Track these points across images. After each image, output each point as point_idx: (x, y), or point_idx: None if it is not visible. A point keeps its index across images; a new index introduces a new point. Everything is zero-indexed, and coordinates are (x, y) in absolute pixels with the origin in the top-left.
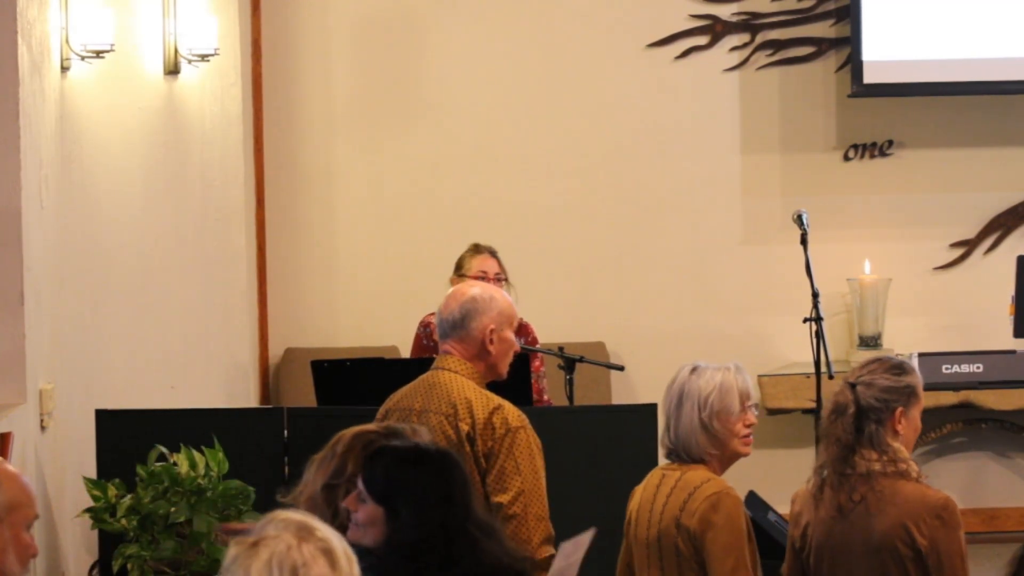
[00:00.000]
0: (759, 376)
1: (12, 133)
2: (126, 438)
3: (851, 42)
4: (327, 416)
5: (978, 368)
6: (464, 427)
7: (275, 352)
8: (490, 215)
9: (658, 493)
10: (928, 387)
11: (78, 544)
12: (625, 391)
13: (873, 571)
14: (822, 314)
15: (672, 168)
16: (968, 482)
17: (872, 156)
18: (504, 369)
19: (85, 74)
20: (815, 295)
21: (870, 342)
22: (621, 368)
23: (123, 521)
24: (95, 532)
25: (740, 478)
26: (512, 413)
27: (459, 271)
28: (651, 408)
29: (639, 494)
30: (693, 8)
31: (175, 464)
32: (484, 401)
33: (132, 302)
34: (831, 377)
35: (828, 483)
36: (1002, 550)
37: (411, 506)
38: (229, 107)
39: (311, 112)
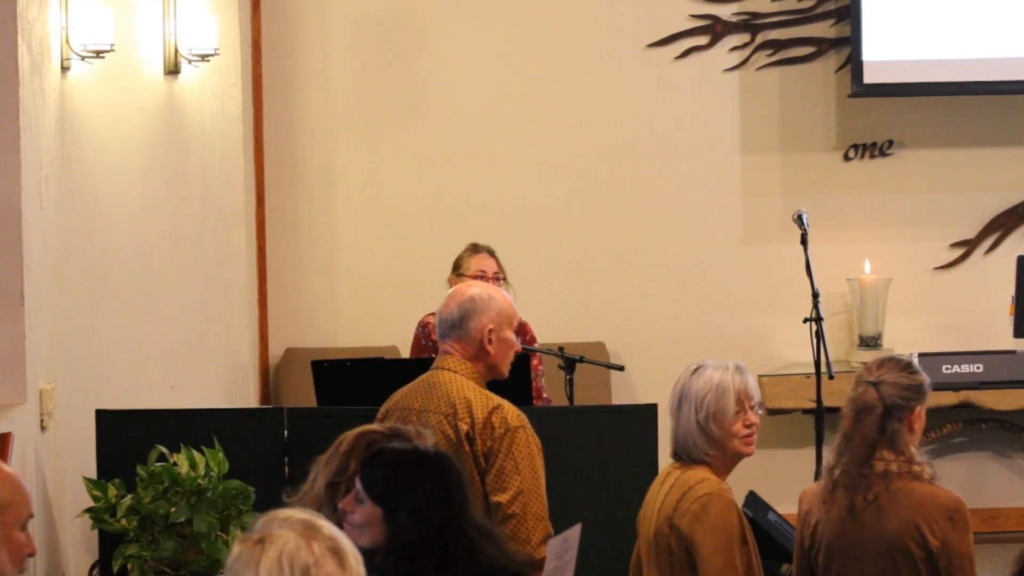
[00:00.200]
0: (759, 376)
1: (12, 133)
2: (126, 438)
3: (851, 42)
4: (327, 416)
5: (978, 368)
6: (463, 427)
7: (275, 352)
8: (490, 215)
9: (660, 491)
10: None
11: (78, 544)
12: (625, 391)
13: (884, 571)
14: (822, 314)
15: (672, 168)
16: (968, 482)
17: (872, 156)
18: (505, 369)
19: (85, 74)
20: (815, 295)
21: (870, 342)
22: (621, 368)
23: (123, 521)
24: (95, 532)
25: (740, 478)
26: (511, 413)
27: (457, 271)
28: (651, 408)
29: (649, 491)
30: (693, 8)
31: (175, 464)
32: (483, 401)
33: (132, 302)
34: (831, 377)
35: (842, 482)
36: (1002, 550)
37: (409, 506)
38: (229, 107)
39: (311, 112)
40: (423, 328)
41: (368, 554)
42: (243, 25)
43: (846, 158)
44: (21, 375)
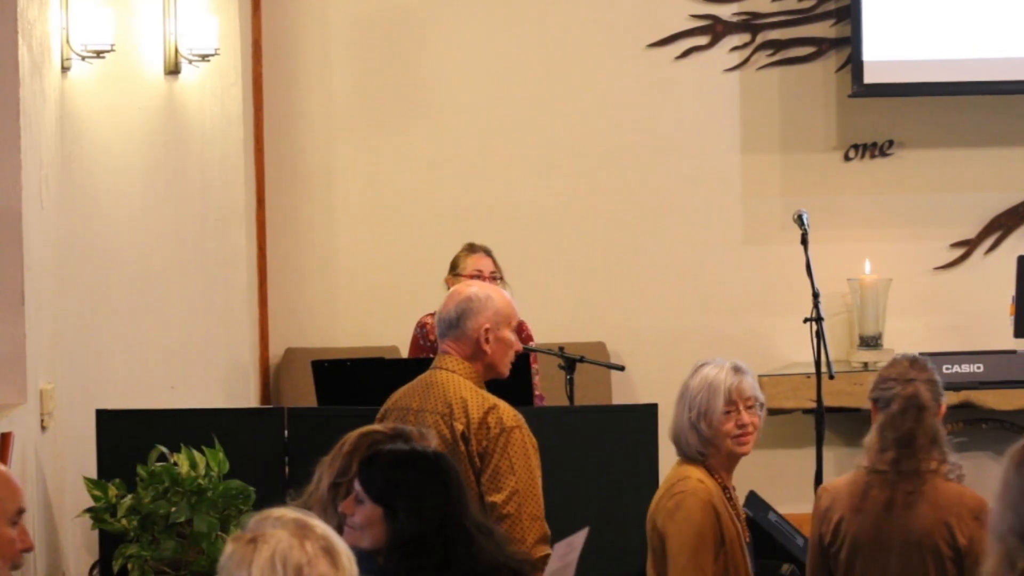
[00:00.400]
0: (759, 376)
1: (12, 133)
2: (126, 438)
3: (851, 42)
4: (327, 416)
5: (978, 368)
6: (459, 426)
7: (275, 352)
8: (490, 215)
9: (660, 488)
10: None
11: (78, 544)
12: (625, 391)
13: (910, 568)
14: (822, 314)
15: (672, 168)
16: (968, 482)
17: (872, 156)
18: (504, 368)
19: (85, 74)
20: (815, 295)
21: (870, 342)
22: (621, 368)
23: (123, 521)
24: (95, 532)
25: (740, 478)
26: (507, 413)
27: (454, 271)
28: (651, 408)
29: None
30: (693, 8)
31: (175, 464)
32: (479, 401)
33: (132, 302)
34: (831, 377)
35: (878, 479)
36: None
37: (409, 505)
38: (229, 107)
39: (311, 112)
40: (421, 328)
41: (369, 555)
42: (243, 25)
43: (846, 158)
44: (21, 375)
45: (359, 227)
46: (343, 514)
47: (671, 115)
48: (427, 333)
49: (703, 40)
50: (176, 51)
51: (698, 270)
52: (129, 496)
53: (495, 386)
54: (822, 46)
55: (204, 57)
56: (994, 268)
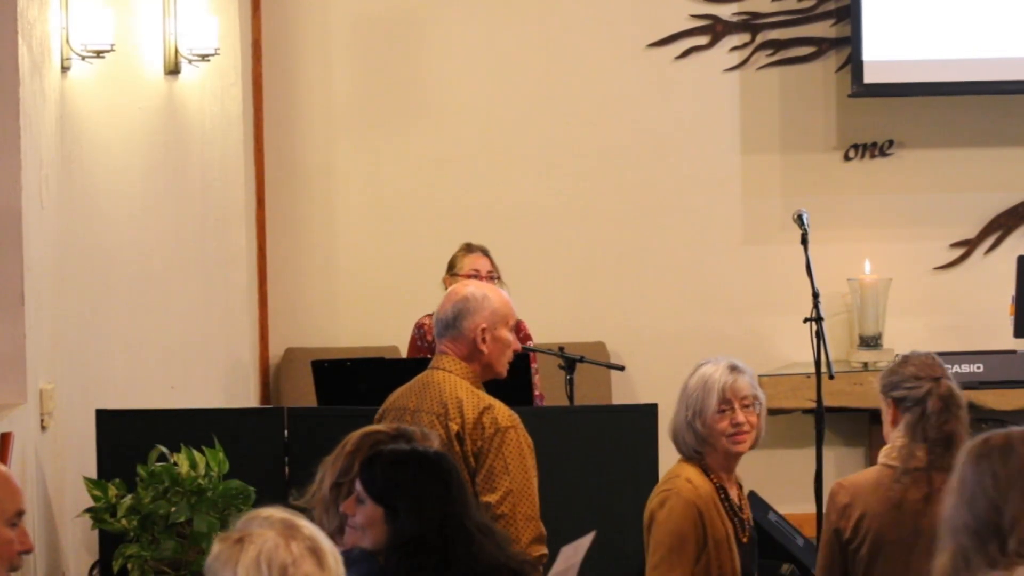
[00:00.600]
0: (759, 376)
1: (12, 133)
2: (126, 438)
3: (851, 42)
4: (327, 416)
5: (978, 368)
6: (454, 426)
7: (275, 352)
8: (490, 215)
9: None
10: None
11: (78, 544)
12: (625, 391)
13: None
14: (822, 314)
15: (672, 168)
16: None
17: (872, 156)
18: (502, 368)
19: (85, 74)
20: (815, 295)
21: (870, 342)
22: (621, 368)
23: (123, 521)
24: (95, 532)
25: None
26: (502, 413)
27: (451, 271)
28: (651, 408)
29: None
30: (693, 8)
31: (175, 464)
32: (475, 401)
33: (132, 302)
34: (831, 377)
35: (912, 478)
36: None
37: (410, 505)
38: (229, 107)
39: (311, 112)
40: (419, 329)
41: (369, 555)
42: (243, 25)
43: (846, 158)
44: (21, 375)
45: (359, 227)
46: (344, 514)
47: (671, 115)
48: (425, 334)
49: (703, 40)
50: (176, 51)
51: (698, 270)
52: (129, 496)
53: (494, 386)
54: (822, 46)
55: (204, 57)
56: (994, 268)
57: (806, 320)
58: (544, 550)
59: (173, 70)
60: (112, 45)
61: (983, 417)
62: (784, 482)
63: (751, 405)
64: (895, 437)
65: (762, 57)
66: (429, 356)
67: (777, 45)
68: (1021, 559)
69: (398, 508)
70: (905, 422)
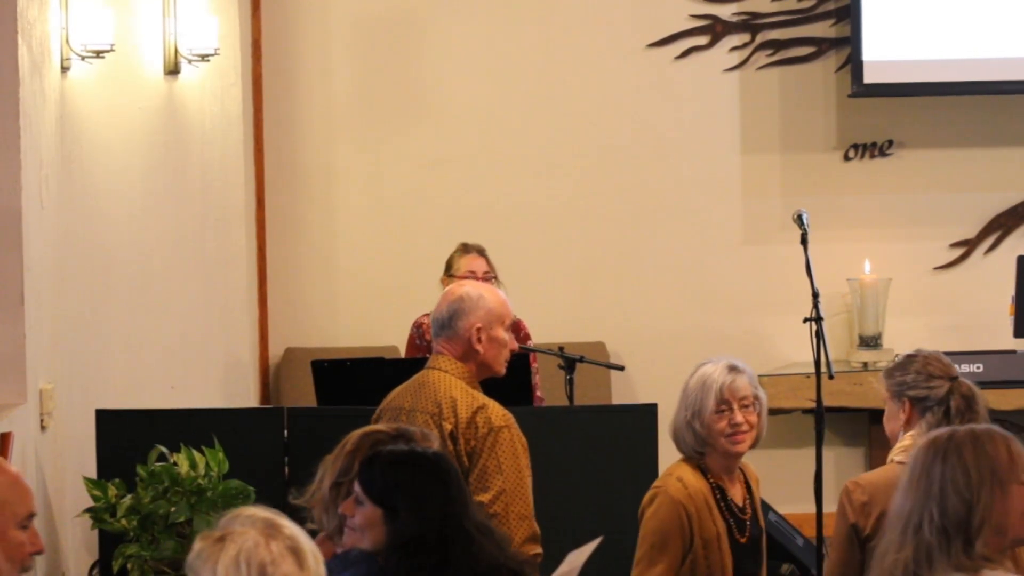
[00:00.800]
0: (759, 376)
1: (12, 133)
2: (126, 438)
3: (851, 42)
4: (327, 416)
5: (978, 368)
6: (447, 426)
7: (275, 352)
8: (490, 215)
9: None
10: None
11: (78, 544)
12: (625, 391)
13: None
14: (822, 314)
15: (672, 168)
16: None
17: (872, 156)
18: (499, 368)
19: (85, 74)
20: (815, 295)
21: (870, 342)
22: (621, 368)
23: (123, 521)
24: (95, 532)
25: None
26: (496, 412)
27: (448, 271)
28: (651, 408)
29: None
30: (693, 8)
31: (175, 464)
32: (469, 400)
33: (132, 302)
34: (831, 377)
35: None
36: None
37: (410, 505)
38: (229, 107)
39: (311, 112)
40: (417, 328)
41: (369, 556)
42: (243, 25)
43: (846, 158)
44: (21, 375)
45: (359, 227)
46: (342, 515)
47: (671, 115)
48: (423, 333)
49: (703, 40)
50: (176, 51)
51: (698, 270)
52: (129, 496)
53: (495, 386)
54: (822, 46)
55: (204, 57)
56: (994, 268)
57: (806, 320)
58: (538, 549)
59: (173, 70)
60: (112, 45)
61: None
62: (784, 482)
63: (750, 405)
64: (910, 436)
65: (762, 57)
66: (427, 356)
67: (777, 45)
68: (987, 561)
69: (397, 509)
70: (926, 421)
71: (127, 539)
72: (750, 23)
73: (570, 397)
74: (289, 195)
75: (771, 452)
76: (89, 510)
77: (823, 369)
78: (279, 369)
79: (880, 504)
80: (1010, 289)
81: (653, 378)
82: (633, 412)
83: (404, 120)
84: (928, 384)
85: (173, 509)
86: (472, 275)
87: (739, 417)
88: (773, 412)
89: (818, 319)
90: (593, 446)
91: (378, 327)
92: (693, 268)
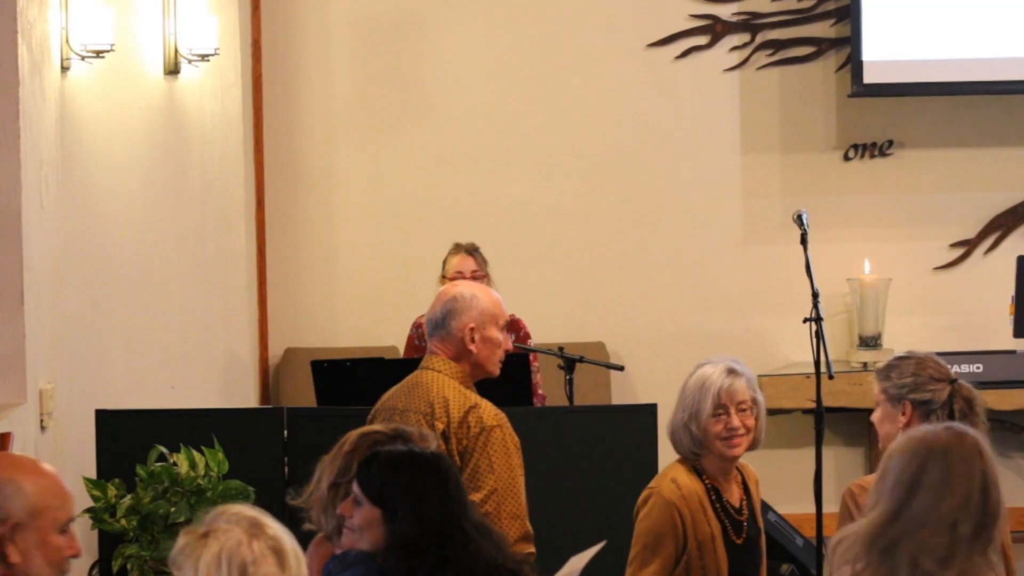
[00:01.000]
0: (759, 376)
1: (12, 133)
2: (126, 438)
3: (851, 42)
4: (327, 416)
5: (978, 368)
6: (440, 425)
7: (275, 352)
8: (490, 215)
9: None
10: None
11: None
12: (625, 391)
13: None
14: (822, 314)
15: (672, 168)
16: None
17: (872, 156)
18: (493, 367)
19: (85, 74)
20: (815, 295)
21: (870, 342)
22: (621, 368)
23: (123, 521)
24: (95, 532)
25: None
26: (488, 412)
27: (442, 272)
28: (651, 408)
29: None
30: (693, 8)
31: (175, 464)
32: (461, 400)
33: (132, 302)
34: (831, 377)
35: None
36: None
37: (408, 505)
38: (229, 107)
39: (311, 112)
40: (417, 329)
41: (368, 556)
42: (243, 25)
43: (846, 158)
44: (21, 375)
45: (359, 227)
46: (341, 516)
47: (671, 115)
48: (423, 333)
49: (703, 40)
50: (176, 51)
51: (698, 270)
52: (129, 496)
53: (495, 386)
54: (822, 46)
55: (204, 57)
56: (994, 268)
57: (806, 320)
58: (531, 548)
59: (173, 70)
60: (112, 45)
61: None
62: (784, 482)
63: (748, 409)
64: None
65: (762, 57)
66: None
67: (777, 45)
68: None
69: (396, 509)
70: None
71: (127, 539)
72: (750, 23)
73: (570, 397)
74: (289, 195)
75: (771, 452)
76: (89, 510)
77: (823, 369)
78: (279, 369)
79: None
80: (1010, 289)
81: (653, 378)
82: (633, 412)
83: (404, 120)
84: (931, 387)
85: (173, 509)
86: (460, 275)
87: (736, 421)
88: (773, 412)
89: (818, 319)
90: (593, 446)
91: (378, 327)
92: (693, 268)
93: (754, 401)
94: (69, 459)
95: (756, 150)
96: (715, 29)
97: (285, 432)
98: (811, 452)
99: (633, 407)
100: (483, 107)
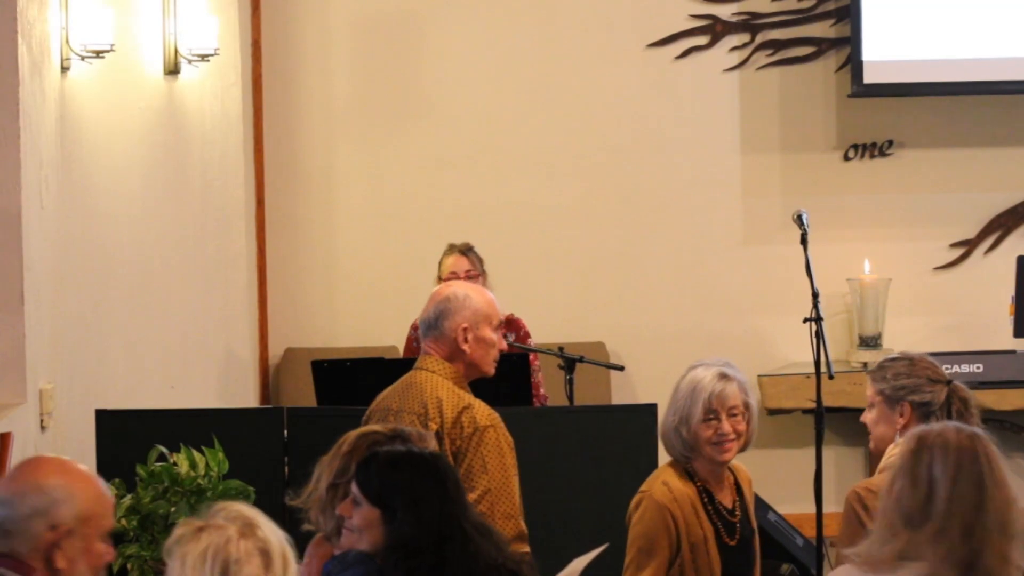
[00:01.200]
0: (759, 376)
1: (12, 133)
2: (126, 438)
3: (851, 42)
4: (327, 416)
5: (978, 368)
6: (433, 426)
7: (275, 352)
8: (490, 215)
9: None
10: None
11: None
12: (625, 391)
13: None
14: (822, 314)
15: (672, 168)
16: None
17: (872, 156)
18: (488, 367)
19: (85, 74)
20: (815, 295)
21: (870, 342)
22: (621, 368)
23: (123, 521)
24: None
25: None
26: (481, 412)
27: (438, 273)
28: (651, 408)
29: None
30: (693, 8)
31: (175, 464)
32: (454, 400)
33: (132, 302)
34: (831, 377)
35: None
36: None
37: (408, 505)
38: (229, 107)
39: (311, 112)
40: (415, 330)
41: (367, 557)
42: (243, 25)
43: (846, 158)
44: (21, 375)
45: (359, 227)
46: (340, 516)
47: (671, 115)
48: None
49: (703, 40)
50: (176, 51)
51: (698, 270)
52: (129, 496)
53: (495, 386)
54: (822, 46)
55: (204, 57)
56: (994, 268)
57: (806, 320)
58: (525, 548)
59: (173, 70)
60: (112, 45)
61: (983, 417)
62: (784, 482)
63: (739, 414)
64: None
65: (762, 57)
66: None
67: (777, 45)
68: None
69: (395, 509)
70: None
71: (127, 539)
72: (750, 23)
73: (570, 397)
74: (289, 195)
75: (771, 452)
76: None
77: (823, 369)
78: (279, 369)
79: None
80: (1010, 289)
81: (653, 378)
82: (633, 412)
83: (404, 120)
84: (930, 388)
85: (173, 509)
86: (455, 275)
87: (726, 427)
88: (773, 412)
89: (818, 319)
90: (593, 446)
91: (378, 327)
92: (693, 268)
93: (746, 405)
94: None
95: (756, 150)
96: (715, 29)
97: (285, 432)
98: (811, 452)
99: (633, 407)
100: (483, 107)
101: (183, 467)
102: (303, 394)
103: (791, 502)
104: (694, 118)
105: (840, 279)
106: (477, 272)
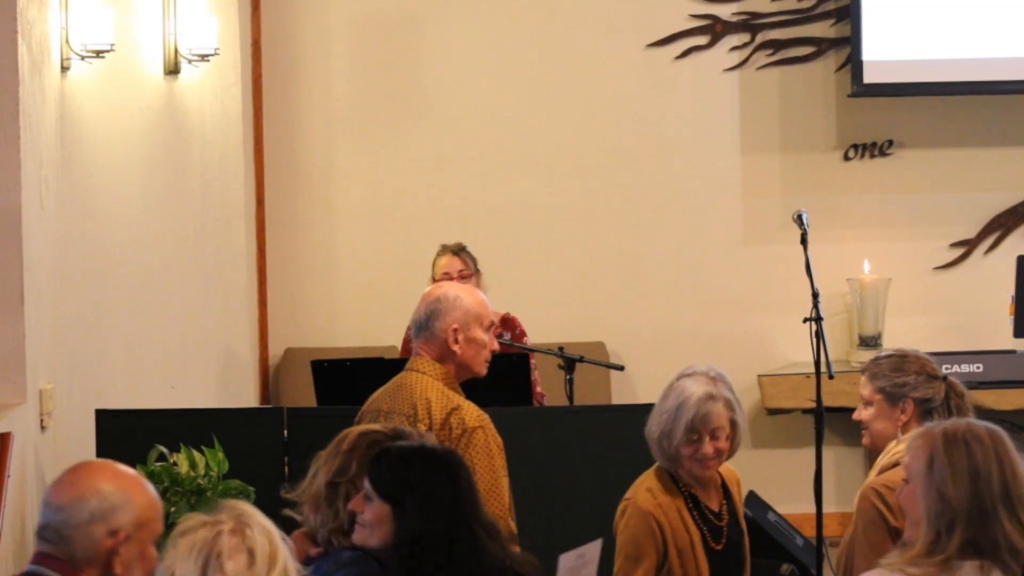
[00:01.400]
0: (759, 376)
1: (12, 133)
2: (126, 438)
3: (851, 42)
4: (327, 416)
5: (978, 368)
6: (422, 427)
7: (275, 352)
8: (490, 215)
9: None
10: None
11: None
12: (625, 391)
13: None
14: (822, 314)
15: (672, 168)
16: None
17: (872, 156)
18: (479, 368)
19: (85, 74)
20: (815, 295)
21: (870, 342)
22: (621, 368)
23: None
24: None
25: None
26: (470, 413)
27: (432, 273)
28: (651, 408)
29: None
30: (693, 8)
31: (175, 464)
32: (444, 402)
33: (132, 302)
34: (831, 377)
35: None
36: None
37: (419, 502)
38: (229, 107)
39: (311, 112)
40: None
41: (363, 558)
42: (243, 25)
43: (846, 158)
44: (21, 375)
45: (359, 227)
46: (352, 511)
47: (671, 115)
48: None
49: (703, 40)
50: (176, 51)
51: (698, 270)
52: None
53: (495, 386)
54: (822, 46)
55: (204, 57)
56: (994, 268)
57: (806, 320)
58: (516, 548)
59: (173, 70)
60: (112, 45)
61: (983, 417)
62: (784, 482)
63: (722, 436)
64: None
65: (762, 57)
66: None
67: (777, 45)
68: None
69: (406, 505)
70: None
71: None
72: (750, 23)
73: (570, 397)
74: (289, 195)
75: (771, 452)
76: None
77: (823, 369)
78: (279, 369)
79: None
80: (1010, 289)
81: (653, 378)
82: (633, 412)
83: (404, 120)
84: (930, 385)
85: (173, 509)
86: (447, 276)
87: (708, 449)
88: (773, 412)
89: (818, 319)
90: (593, 446)
91: (378, 327)
92: (693, 268)
93: (732, 423)
94: (69, 459)
95: (756, 150)
96: (715, 29)
97: (285, 432)
98: (811, 452)
99: (633, 407)
100: (483, 107)
101: (183, 467)
102: (303, 394)
103: (791, 502)
104: (694, 118)
105: (840, 279)
106: (470, 272)
